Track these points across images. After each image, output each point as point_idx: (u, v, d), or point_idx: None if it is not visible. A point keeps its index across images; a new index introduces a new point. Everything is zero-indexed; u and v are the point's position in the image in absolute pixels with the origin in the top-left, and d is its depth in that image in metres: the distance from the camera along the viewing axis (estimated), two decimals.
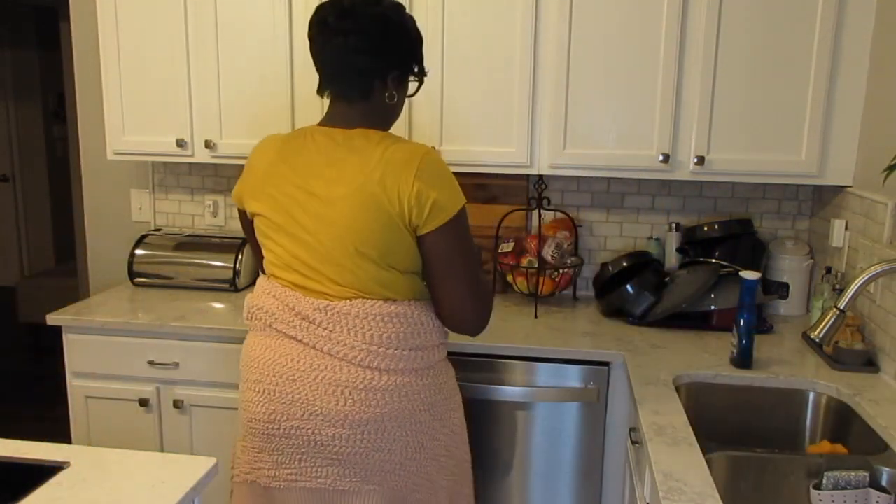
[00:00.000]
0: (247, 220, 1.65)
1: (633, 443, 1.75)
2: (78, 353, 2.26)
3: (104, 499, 1.19)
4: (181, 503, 1.20)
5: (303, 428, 1.43)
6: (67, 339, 2.26)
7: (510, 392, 2.04)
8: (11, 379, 4.46)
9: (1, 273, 6.29)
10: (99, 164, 2.83)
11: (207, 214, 2.79)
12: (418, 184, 1.38)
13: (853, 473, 1.39)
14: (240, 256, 2.54)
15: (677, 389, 1.76)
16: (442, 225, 1.42)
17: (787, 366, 1.91)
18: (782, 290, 2.37)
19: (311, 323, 1.44)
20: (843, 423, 1.73)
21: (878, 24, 2.03)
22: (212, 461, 1.32)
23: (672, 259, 2.49)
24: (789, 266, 2.36)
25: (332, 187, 1.42)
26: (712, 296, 2.20)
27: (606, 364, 2.03)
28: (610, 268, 2.37)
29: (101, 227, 2.88)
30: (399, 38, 1.48)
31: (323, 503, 1.47)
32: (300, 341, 1.45)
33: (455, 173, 1.50)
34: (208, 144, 2.38)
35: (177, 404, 2.22)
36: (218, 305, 2.38)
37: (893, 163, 1.59)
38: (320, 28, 1.46)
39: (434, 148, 1.56)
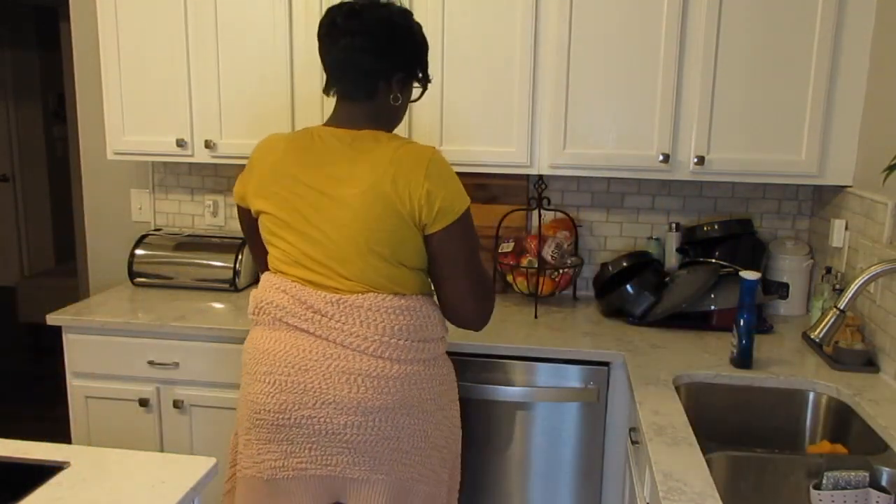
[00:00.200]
0: (248, 219, 1.67)
1: (633, 443, 1.75)
2: (78, 353, 2.26)
3: (104, 499, 1.19)
4: (181, 503, 1.20)
5: (314, 417, 1.46)
6: (67, 339, 2.26)
7: (510, 392, 2.04)
8: (11, 379, 4.46)
9: (1, 273, 6.29)
10: (99, 164, 2.83)
11: (207, 214, 2.79)
12: (428, 184, 1.43)
13: (853, 473, 1.39)
14: (240, 256, 2.54)
15: (677, 389, 1.76)
16: (449, 224, 1.47)
17: (787, 366, 1.91)
18: (782, 290, 2.37)
19: (322, 316, 1.48)
20: (843, 423, 1.73)
21: (878, 24, 2.03)
22: (212, 461, 1.33)
23: (672, 259, 2.49)
24: (789, 266, 2.36)
25: (343, 187, 1.45)
26: (712, 296, 2.20)
27: (606, 364, 2.03)
28: (610, 268, 2.37)
29: (101, 227, 2.88)
30: (405, 42, 1.52)
31: (331, 490, 1.50)
32: (312, 333, 1.49)
33: (455, 173, 1.52)
34: (208, 144, 2.39)
35: (177, 404, 2.22)
36: (218, 305, 2.38)
37: (893, 163, 1.59)
38: (329, 28, 1.51)
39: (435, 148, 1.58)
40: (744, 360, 1.88)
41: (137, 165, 2.82)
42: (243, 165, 2.78)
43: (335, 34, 1.49)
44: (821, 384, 1.81)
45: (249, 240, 1.75)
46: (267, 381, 1.50)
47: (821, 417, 1.80)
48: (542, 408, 2.06)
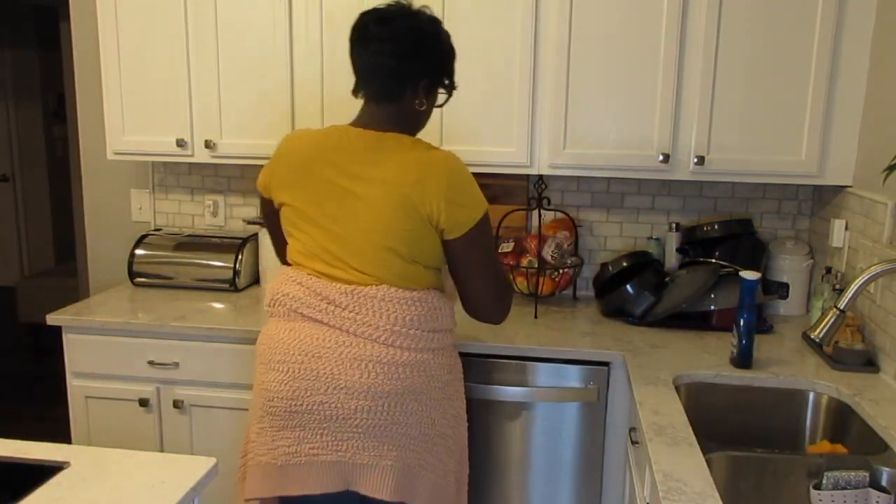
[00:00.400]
0: (270, 209, 1.72)
1: (633, 443, 1.75)
2: (78, 353, 2.26)
3: (104, 499, 1.19)
4: (181, 503, 1.20)
5: (326, 402, 1.50)
6: (67, 339, 2.26)
7: (510, 392, 2.04)
8: (11, 379, 4.46)
9: (1, 273, 6.29)
10: (99, 164, 2.83)
11: (207, 214, 2.79)
12: (450, 190, 1.50)
13: (853, 473, 1.39)
14: (240, 256, 2.54)
15: (677, 389, 1.76)
16: (469, 230, 1.54)
17: (787, 366, 1.91)
18: (782, 290, 2.37)
19: (336, 306, 1.53)
20: (843, 423, 1.73)
21: (878, 24, 2.03)
22: (212, 461, 1.33)
23: (672, 259, 2.49)
24: (789, 266, 2.36)
25: (368, 186, 1.52)
26: (712, 296, 2.20)
27: (606, 364, 2.03)
28: (610, 268, 2.37)
29: (101, 227, 2.88)
30: (431, 49, 1.59)
31: (342, 477, 1.52)
32: (326, 324, 1.54)
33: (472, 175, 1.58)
34: (208, 144, 2.39)
35: (177, 404, 2.22)
36: (218, 305, 2.38)
37: (893, 163, 1.59)
38: (360, 33, 1.58)
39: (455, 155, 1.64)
40: (744, 360, 1.88)
41: (137, 165, 2.82)
42: (243, 165, 2.80)
43: (366, 38, 1.56)
44: (821, 384, 1.81)
45: (269, 228, 1.80)
46: (281, 369, 1.54)
47: (821, 417, 1.80)
48: (542, 408, 2.06)
